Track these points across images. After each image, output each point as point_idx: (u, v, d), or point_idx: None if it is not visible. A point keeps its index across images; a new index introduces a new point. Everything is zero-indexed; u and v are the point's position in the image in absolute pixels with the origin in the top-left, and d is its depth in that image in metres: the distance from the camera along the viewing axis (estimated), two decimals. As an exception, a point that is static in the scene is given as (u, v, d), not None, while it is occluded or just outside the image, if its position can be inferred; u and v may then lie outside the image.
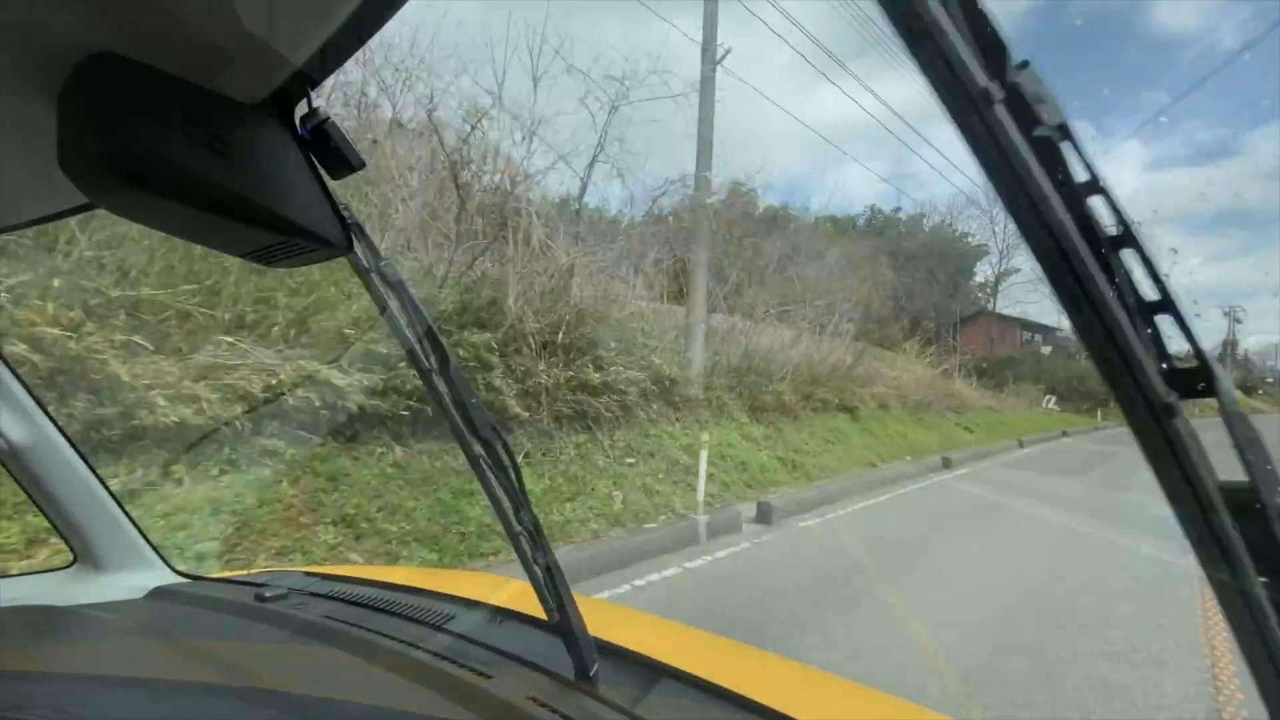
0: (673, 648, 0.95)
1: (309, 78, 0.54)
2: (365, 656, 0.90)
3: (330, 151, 0.59)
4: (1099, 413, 26.35)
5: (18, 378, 1.08)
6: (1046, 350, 34.89)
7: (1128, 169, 69.18)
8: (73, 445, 1.15)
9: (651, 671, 0.85)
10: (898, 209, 34.83)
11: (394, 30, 6.67)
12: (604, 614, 1.45)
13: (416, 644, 0.91)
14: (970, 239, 34.36)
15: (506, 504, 0.76)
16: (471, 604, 1.13)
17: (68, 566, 1.22)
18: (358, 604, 1.11)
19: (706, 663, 0.90)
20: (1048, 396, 27.99)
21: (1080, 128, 0.34)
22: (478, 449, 0.73)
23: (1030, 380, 28.50)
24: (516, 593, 1.48)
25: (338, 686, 0.84)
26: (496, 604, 1.12)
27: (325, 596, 1.16)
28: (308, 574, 1.31)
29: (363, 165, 0.60)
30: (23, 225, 0.86)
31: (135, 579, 1.24)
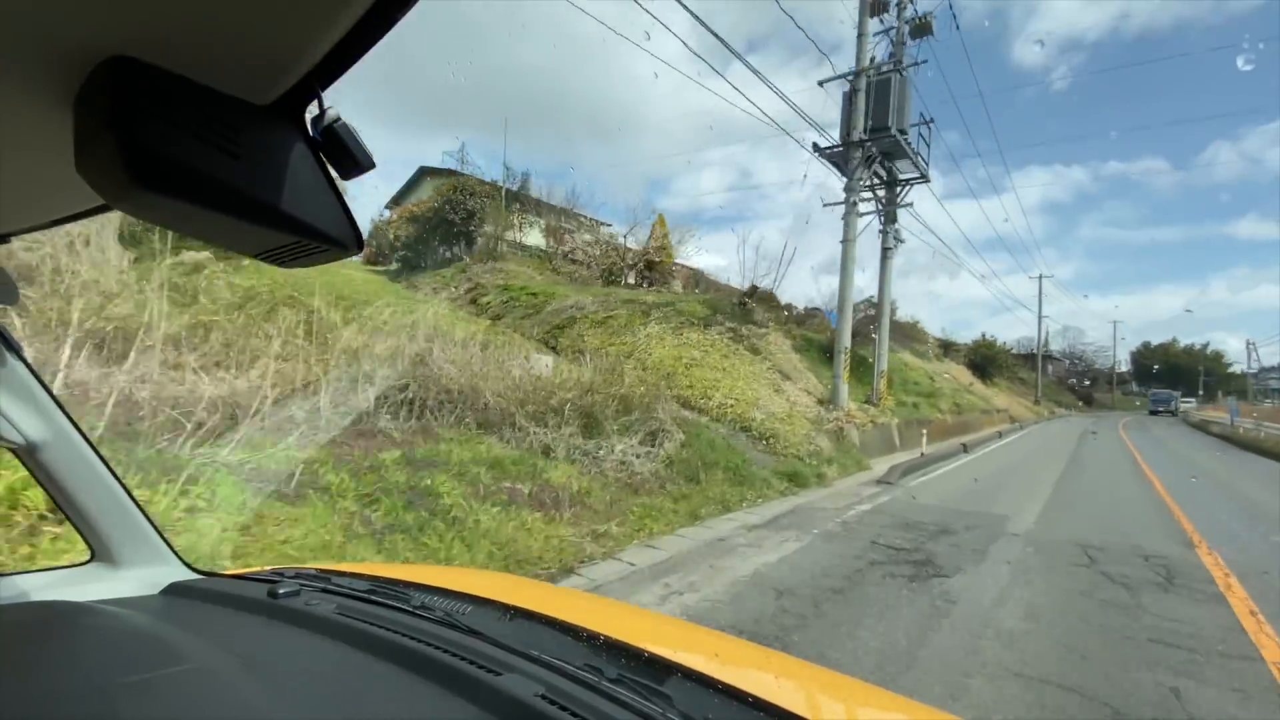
0: (682, 646, 0.95)
1: (319, 79, 0.55)
2: (376, 652, 0.90)
3: (341, 152, 0.59)
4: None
5: (37, 377, 1.10)
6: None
7: (926, 198, 77.73)
8: (90, 444, 1.17)
9: (660, 670, 0.85)
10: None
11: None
12: (613, 612, 1.45)
13: (427, 640, 0.92)
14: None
15: None
16: (482, 601, 1.13)
17: (85, 563, 1.24)
18: (369, 600, 1.12)
19: (715, 661, 0.90)
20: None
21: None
22: None
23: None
24: (528, 591, 1.49)
25: (349, 682, 0.85)
26: (507, 602, 1.13)
27: (337, 593, 1.17)
28: (320, 571, 1.33)
29: (373, 165, 0.60)
30: (42, 226, 0.88)
31: (151, 575, 1.26)
